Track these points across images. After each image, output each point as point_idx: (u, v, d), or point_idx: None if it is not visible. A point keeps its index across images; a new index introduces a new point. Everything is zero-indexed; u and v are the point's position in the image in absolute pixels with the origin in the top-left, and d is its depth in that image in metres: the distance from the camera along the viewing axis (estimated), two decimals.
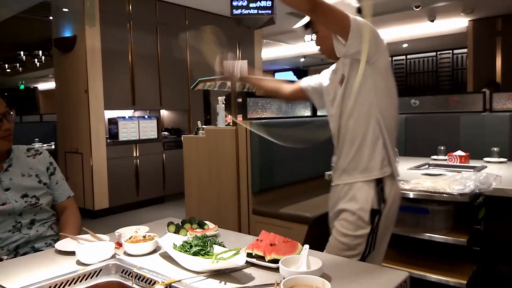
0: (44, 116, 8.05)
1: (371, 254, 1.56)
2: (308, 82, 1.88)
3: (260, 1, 4.98)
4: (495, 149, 3.08)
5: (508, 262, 3.01)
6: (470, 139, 3.56)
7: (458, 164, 2.92)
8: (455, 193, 1.96)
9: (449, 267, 2.20)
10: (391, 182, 1.56)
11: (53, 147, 5.78)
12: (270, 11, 4.95)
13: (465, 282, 2.08)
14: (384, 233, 1.58)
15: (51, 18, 5.67)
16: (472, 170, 2.58)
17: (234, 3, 5.02)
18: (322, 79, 1.82)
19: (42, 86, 14.91)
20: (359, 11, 1.59)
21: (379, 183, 1.53)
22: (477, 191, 2.00)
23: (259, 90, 2.07)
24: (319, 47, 1.70)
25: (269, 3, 4.94)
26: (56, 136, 5.78)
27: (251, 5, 5.00)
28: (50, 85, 13.67)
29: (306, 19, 1.66)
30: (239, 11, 5.04)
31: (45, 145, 5.93)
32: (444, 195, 1.99)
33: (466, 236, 2.13)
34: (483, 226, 2.20)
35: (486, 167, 2.78)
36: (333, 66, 1.75)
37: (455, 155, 2.97)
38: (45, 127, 6.68)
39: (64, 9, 5.35)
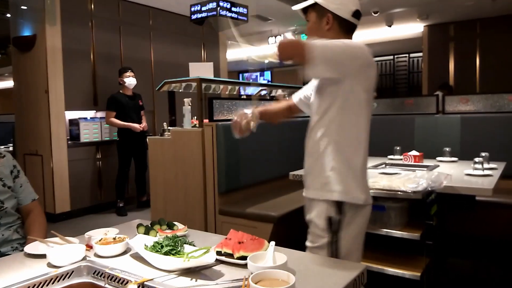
0: (0, 117, 7.73)
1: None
2: (297, 95, 1.89)
3: (207, 4, 5.31)
4: (447, 149, 3.28)
5: (459, 254, 3.22)
6: (424, 139, 3.77)
7: (412, 163, 3.09)
8: (409, 191, 2.10)
9: (404, 261, 2.34)
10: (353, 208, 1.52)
11: (11, 149, 5.59)
12: (215, 13, 5.26)
13: (419, 274, 2.22)
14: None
15: (9, 15, 5.48)
16: (425, 169, 2.75)
17: (192, 9, 5.34)
18: (308, 87, 1.81)
19: None
20: (355, 14, 1.61)
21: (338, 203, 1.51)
22: (429, 189, 2.15)
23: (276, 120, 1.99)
24: (307, 36, 1.68)
25: (213, 5, 5.26)
26: (14, 138, 5.59)
27: (203, 8, 5.38)
28: (6, 84, 13.09)
29: (304, 4, 1.65)
30: (195, 16, 5.46)
31: (2, 147, 5.71)
32: (399, 193, 2.12)
33: (420, 231, 2.27)
34: (435, 221, 2.35)
35: (438, 166, 2.96)
36: None
37: (410, 155, 3.14)
38: (1, 128, 6.43)
39: (23, 7, 5.18)
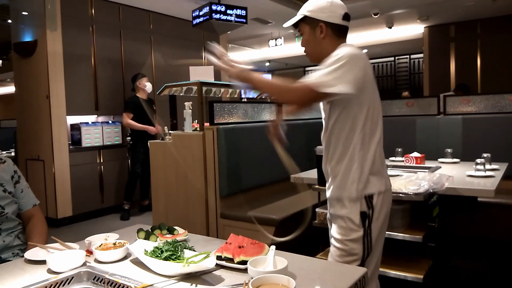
0: (2, 122, 7.76)
1: (369, 257, 1.63)
2: None
3: (203, 9, 5.41)
4: (449, 150, 3.26)
5: (461, 256, 3.21)
6: (426, 141, 3.76)
7: (414, 165, 3.08)
8: (411, 193, 2.09)
9: (407, 263, 2.33)
10: (378, 196, 1.62)
11: (13, 154, 5.60)
12: (208, 17, 5.35)
13: (422, 276, 2.21)
14: (378, 236, 1.65)
15: (10, 21, 5.50)
16: (427, 170, 2.73)
17: (193, 14, 5.39)
18: None
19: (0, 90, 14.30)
20: (345, 17, 1.66)
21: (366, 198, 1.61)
22: (431, 191, 2.14)
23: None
24: (304, 48, 1.75)
25: (206, 10, 5.37)
26: (16, 143, 5.60)
27: (200, 13, 5.49)
28: (8, 89, 13.14)
29: (294, 19, 1.72)
30: (195, 21, 5.57)
31: (4, 152, 5.73)
32: (401, 195, 2.11)
33: (422, 233, 2.26)
34: (437, 223, 2.34)
35: (440, 167, 2.95)
36: None
37: (412, 157, 3.13)
38: (3, 134, 6.46)
39: (24, 13, 5.20)
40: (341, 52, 1.54)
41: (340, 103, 1.59)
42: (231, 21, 5.43)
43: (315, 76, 1.51)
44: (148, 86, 5.34)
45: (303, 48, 1.75)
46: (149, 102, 5.47)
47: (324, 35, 1.66)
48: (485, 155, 2.75)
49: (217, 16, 5.31)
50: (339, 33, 1.67)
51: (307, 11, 1.67)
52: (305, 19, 1.68)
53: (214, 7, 5.29)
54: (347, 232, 1.60)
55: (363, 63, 1.56)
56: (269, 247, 1.27)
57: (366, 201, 1.60)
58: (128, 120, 5.21)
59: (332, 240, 1.67)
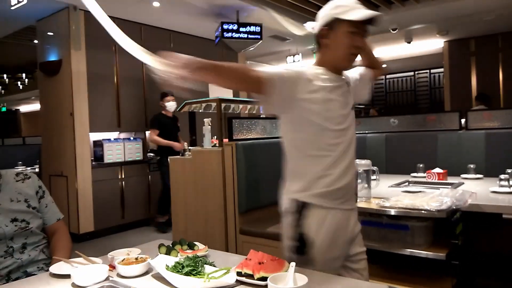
0: (27, 139, 7.97)
1: None
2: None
3: (219, 29, 5.56)
4: (472, 166, 3.20)
5: (486, 274, 3.11)
6: (448, 156, 3.69)
7: (436, 181, 3.02)
8: (433, 210, 2.05)
9: (429, 281, 2.28)
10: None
11: (37, 170, 5.74)
12: (220, 38, 5.54)
13: None
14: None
15: (36, 42, 5.71)
16: (449, 186, 2.68)
17: (216, 33, 5.49)
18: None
19: (24, 108, 14.76)
20: None
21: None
22: (454, 207, 2.10)
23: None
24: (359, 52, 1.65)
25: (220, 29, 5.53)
26: (40, 159, 5.75)
27: (216, 33, 5.67)
28: (33, 107, 13.56)
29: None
30: (216, 40, 5.73)
31: (29, 168, 5.88)
32: (423, 211, 2.08)
33: (445, 250, 2.21)
34: (461, 240, 2.29)
35: (463, 183, 2.89)
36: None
37: (433, 172, 3.08)
38: (28, 150, 6.63)
39: (49, 33, 5.40)
40: None
41: None
42: (244, 38, 5.52)
43: None
44: (169, 105, 5.45)
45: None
46: (173, 120, 5.59)
47: None
48: (509, 170, 2.68)
49: (229, 34, 5.40)
50: None
51: None
52: None
53: (225, 26, 5.39)
54: None
55: None
56: (289, 263, 1.27)
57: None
58: (153, 136, 5.36)
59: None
